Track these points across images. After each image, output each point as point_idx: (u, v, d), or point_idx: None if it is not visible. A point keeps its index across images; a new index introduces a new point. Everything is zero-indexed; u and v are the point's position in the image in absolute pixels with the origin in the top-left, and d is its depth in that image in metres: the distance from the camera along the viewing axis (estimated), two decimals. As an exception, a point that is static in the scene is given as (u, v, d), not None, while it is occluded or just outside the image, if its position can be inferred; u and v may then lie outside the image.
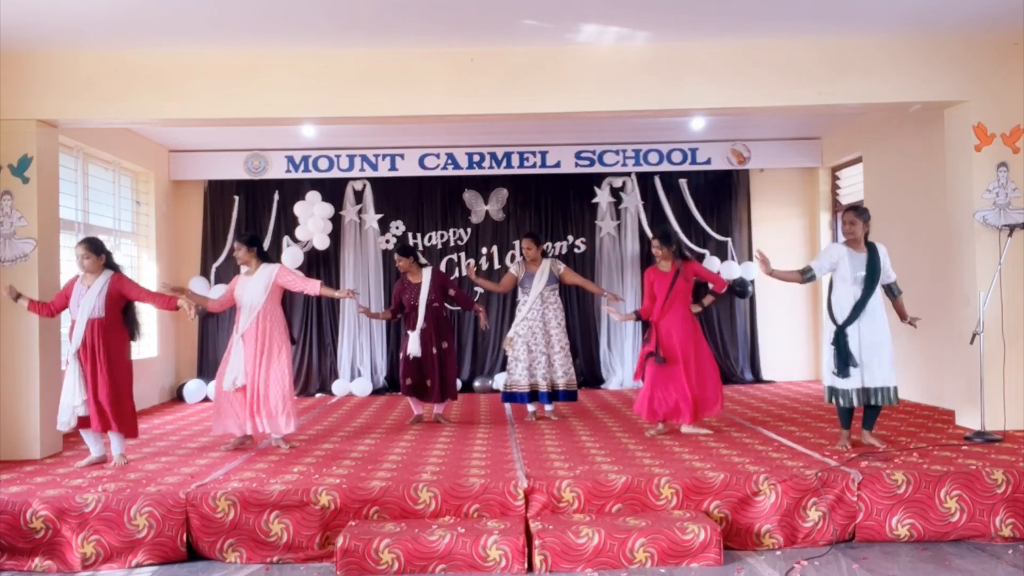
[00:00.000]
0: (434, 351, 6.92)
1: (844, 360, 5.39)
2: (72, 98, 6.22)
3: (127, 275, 5.72)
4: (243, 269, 6.25)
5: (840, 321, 5.44)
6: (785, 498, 4.65)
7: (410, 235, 10.04)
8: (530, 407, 7.15)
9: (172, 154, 9.72)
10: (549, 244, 10.00)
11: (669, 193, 9.99)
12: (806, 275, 5.64)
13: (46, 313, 5.64)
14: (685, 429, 6.28)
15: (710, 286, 6.39)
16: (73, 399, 5.39)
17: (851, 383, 5.41)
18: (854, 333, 5.41)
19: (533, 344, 6.99)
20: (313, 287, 6.08)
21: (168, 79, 6.27)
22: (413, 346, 6.87)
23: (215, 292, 9.58)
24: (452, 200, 10.11)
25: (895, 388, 5.46)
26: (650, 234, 6.87)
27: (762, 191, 10.24)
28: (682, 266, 6.26)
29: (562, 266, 7.19)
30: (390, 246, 10.01)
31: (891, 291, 5.67)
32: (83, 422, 5.46)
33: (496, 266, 10.08)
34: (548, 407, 7.17)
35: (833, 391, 5.50)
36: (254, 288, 6.00)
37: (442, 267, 9.81)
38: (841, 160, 9.62)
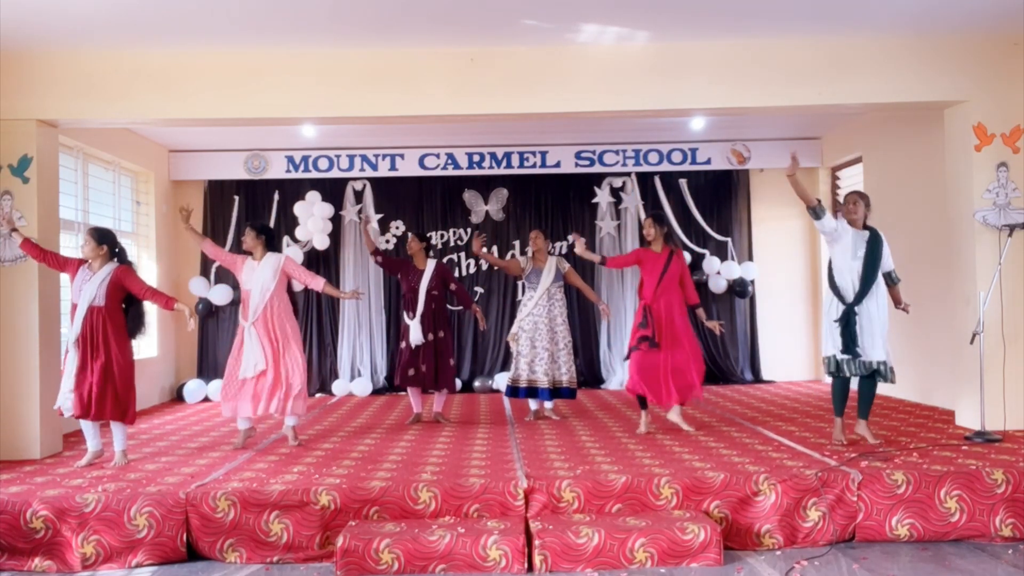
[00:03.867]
0: (430, 337, 6.94)
1: (851, 339, 5.43)
2: (72, 98, 6.22)
3: (135, 271, 5.69)
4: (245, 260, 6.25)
5: (849, 299, 5.49)
6: (785, 498, 4.65)
7: (410, 235, 10.02)
8: (532, 404, 7.15)
9: (172, 154, 9.72)
10: (550, 244, 9.99)
11: (669, 193, 10.00)
12: (818, 209, 5.49)
13: (37, 256, 5.59)
14: (672, 416, 6.31)
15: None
16: (68, 384, 5.41)
17: (854, 357, 5.47)
18: (861, 311, 5.46)
19: (537, 340, 6.98)
20: (317, 283, 6.21)
21: (168, 79, 6.27)
22: (415, 335, 6.89)
23: (215, 292, 9.60)
24: (452, 200, 10.12)
25: (892, 367, 5.50)
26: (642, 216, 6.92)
27: (762, 191, 10.24)
28: (674, 251, 6.31)
29: (567, 265, 7.18)
30: (390, 246, 10.02)
31: (890, 278, 5.71)
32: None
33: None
34: (549, 405, 7.17)
35: (836, 362, 5.53)
36: (263, 274, 6.04)
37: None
38: (841, 160, 9.63)
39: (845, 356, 5.48)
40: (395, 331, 9.75)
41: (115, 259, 5.61)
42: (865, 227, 5.62)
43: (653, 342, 6.11)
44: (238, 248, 9.64)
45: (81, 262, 5.59)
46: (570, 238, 7.03)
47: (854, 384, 5.71)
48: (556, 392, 7.02)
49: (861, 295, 5.48)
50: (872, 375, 5.53)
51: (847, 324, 5.46)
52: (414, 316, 6.94)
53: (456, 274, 9.94)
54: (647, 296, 6.24)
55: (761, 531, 4.63)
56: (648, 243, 6.42)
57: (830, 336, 5.60)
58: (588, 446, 5.85)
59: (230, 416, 6.10)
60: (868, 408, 5.66)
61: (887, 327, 5.56)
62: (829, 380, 5.79)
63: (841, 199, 9.72)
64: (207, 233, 9.87)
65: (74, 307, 5.48)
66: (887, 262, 5.65)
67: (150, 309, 9.08)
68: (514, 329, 7.12)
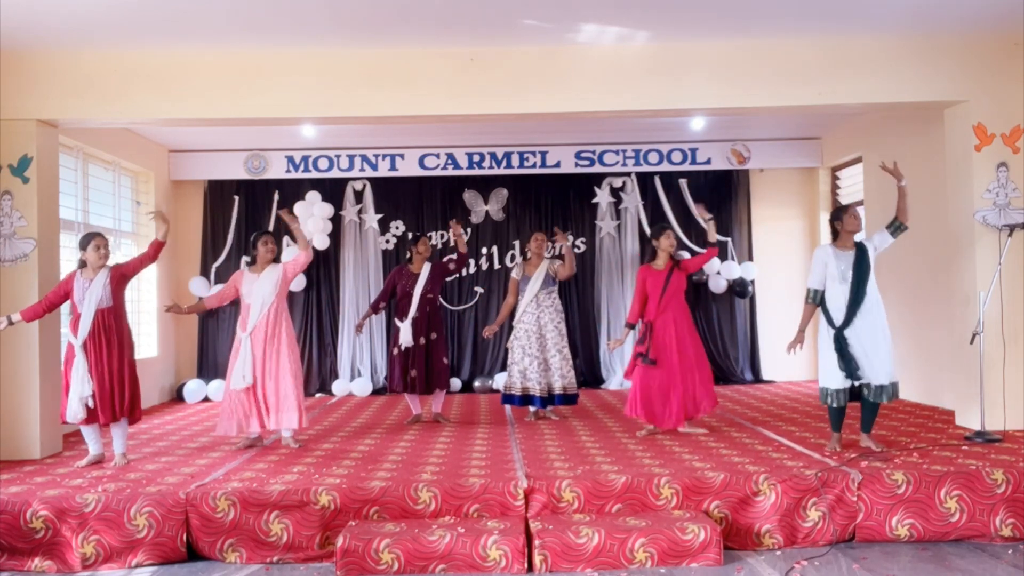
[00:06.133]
0: (422, 341, 6.94)
1: (849, 364, 5.35)
2: (72, 98, 6.22)
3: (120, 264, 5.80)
4: (245, 266, 6.25)
5: (837, 323, 5.42)
6: (785, 498, 4.65)
7: (410, 235, 10.03)
8: (529, 407, 7.14)
9: (172, 154, 9.72)
10: (549, 245, 9.97)
11: (669, 193, 10.00)
12: (814, 299, 5.57)
13: (43, 312, 5.61)
14: (682, 429, 6.28)
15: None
16: (82, 390, 5.39)
17: (847, 382, 5.39)
18: (852, 334, 5.39)
19: (528, 347, 6.96)
20: (305, 253, 6.13)
21: (168, 79, 6.27)
22: (405, 336, 6.89)
23: (216, 292, 9.59)
24: (452, 200, 10.11)
25: (895, 385, 5.41)
26: (650, 232, 6.84)
27: (762, 191, 10.24)
28: (675, 266, 6.29)
29: (557, 263, 7.17)
30: (390, 246, 10.02)
31: (896, 232, 5.54)
32: (88, 416, 5.45)
33: (496, 266, 10.08)
34: (546, 409, 7.16)
35: (829, 392, 5.45)
36: (263, 287, 6.03)
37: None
38: (841, 160, 9.63)
39: (839, 387, 5.37)
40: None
41: None
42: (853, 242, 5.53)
43: (647, 359, 6.09)
44: (237, 248, 9.71)
45: (70, 277, 5.57)
46: (610, 347, 7.29)
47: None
48: (549, 400, 6.98)
49: (850, 317, 5.38)
50: (873, 404, 5.45)
51: (840, 349, 5.37)
52: (405, 319, 6.95)
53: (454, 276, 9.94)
54: (649, 312, 6.19)
55: (761, 531, 4.63)
56: (653, 259, 6.32)
57: (826, 364, 5.49)
58: (588, 446, 5.85)
59: (222, 435, 6.07)
60: (871, 423, 5.57)
61: (890, 343, 5.42)
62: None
63: (841, 200, 9.77)
64: (207, 233, 9.89)
65: (77, 316, 5.46)
66: (882, 242, 5.51)
67: (149, 308, 9.17)
68: (512, 336, 7.13)
